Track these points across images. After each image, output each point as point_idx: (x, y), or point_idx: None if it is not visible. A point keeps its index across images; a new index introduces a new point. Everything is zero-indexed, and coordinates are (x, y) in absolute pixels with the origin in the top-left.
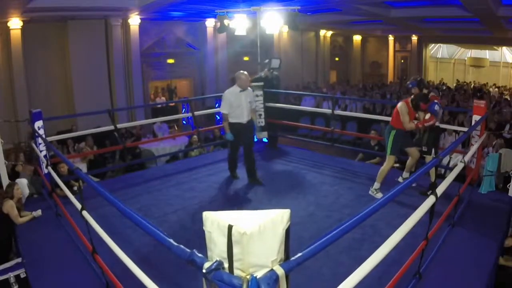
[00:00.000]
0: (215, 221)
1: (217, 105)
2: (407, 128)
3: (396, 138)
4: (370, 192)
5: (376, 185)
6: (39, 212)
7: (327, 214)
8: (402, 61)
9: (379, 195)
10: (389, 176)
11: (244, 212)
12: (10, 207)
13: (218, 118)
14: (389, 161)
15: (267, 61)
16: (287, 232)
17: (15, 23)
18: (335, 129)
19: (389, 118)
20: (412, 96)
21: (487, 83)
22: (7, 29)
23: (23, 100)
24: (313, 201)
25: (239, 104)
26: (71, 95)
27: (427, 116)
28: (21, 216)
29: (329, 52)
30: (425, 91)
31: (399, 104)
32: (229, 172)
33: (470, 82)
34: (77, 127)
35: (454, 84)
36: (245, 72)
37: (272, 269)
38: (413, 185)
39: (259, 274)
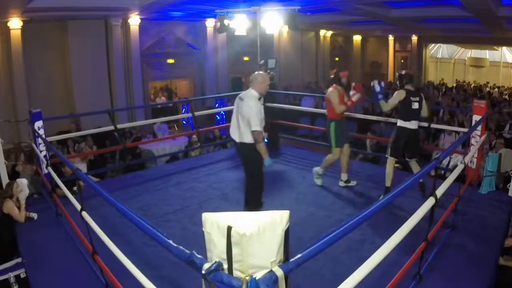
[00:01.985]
0: (214, 222)
1: (217, 105)
2: (338, 111)
3: (337, 128)
4: (314, 175)
5: (319, 170)
6: (35, 216)
7: (327, 214)
8: (402, 61)
9: (318, 181)
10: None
11: (243, 213)
12: (10, 207)
13: (218, 118)
14: (336, 153)
15: (262, 61)
16: (287, 233)
17: (15, 23)
18: None
19: (389, 119)
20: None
21: (487, 83)
22: (7, 29)
23: (23, 100)
24: (313, 201)
25: (263, 116)
26: (71, 95)
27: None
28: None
29: (329, 52)
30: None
31: (328, 91)
32: (257, 205)
33: (470, 82)
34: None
35: (454, 84)
36: (262, 72)
37: (271, 270)
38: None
39: (258, 275)
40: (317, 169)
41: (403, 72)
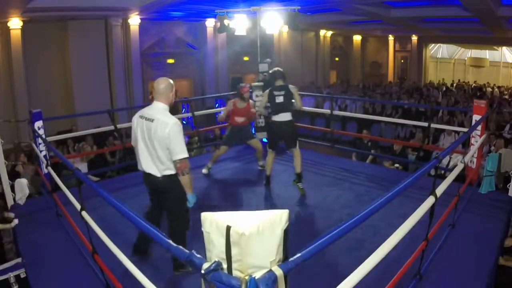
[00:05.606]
0: (213, 222)
1: (217, 105)
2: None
3: (230, 132)
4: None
5: (209, 164)
6: (15, 221)
7: (327, 214)
8: (402, 61)
9: (204, 170)
10: (391, 177)
11: (242, 213)
12: None
13: None
14: (222, 149)
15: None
16: (286, 232)
17: (15, 23)
18: (334, 129)
19: (388, 119)
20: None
21: (487, 83)
22: (7, 29)
23: (23, 100)
24: (313, 201)
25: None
26: (71, 95)
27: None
28: (4, 218)
29: (329, 52)
30: (279, 82)
31: (228, 102)
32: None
33: (469, 82)
34: (77, 127)
35: (455, 84)
36: (164, 78)
37: (270, 270)
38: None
39: (257, 275)
40: (208, 163)
41: (275, 69)
